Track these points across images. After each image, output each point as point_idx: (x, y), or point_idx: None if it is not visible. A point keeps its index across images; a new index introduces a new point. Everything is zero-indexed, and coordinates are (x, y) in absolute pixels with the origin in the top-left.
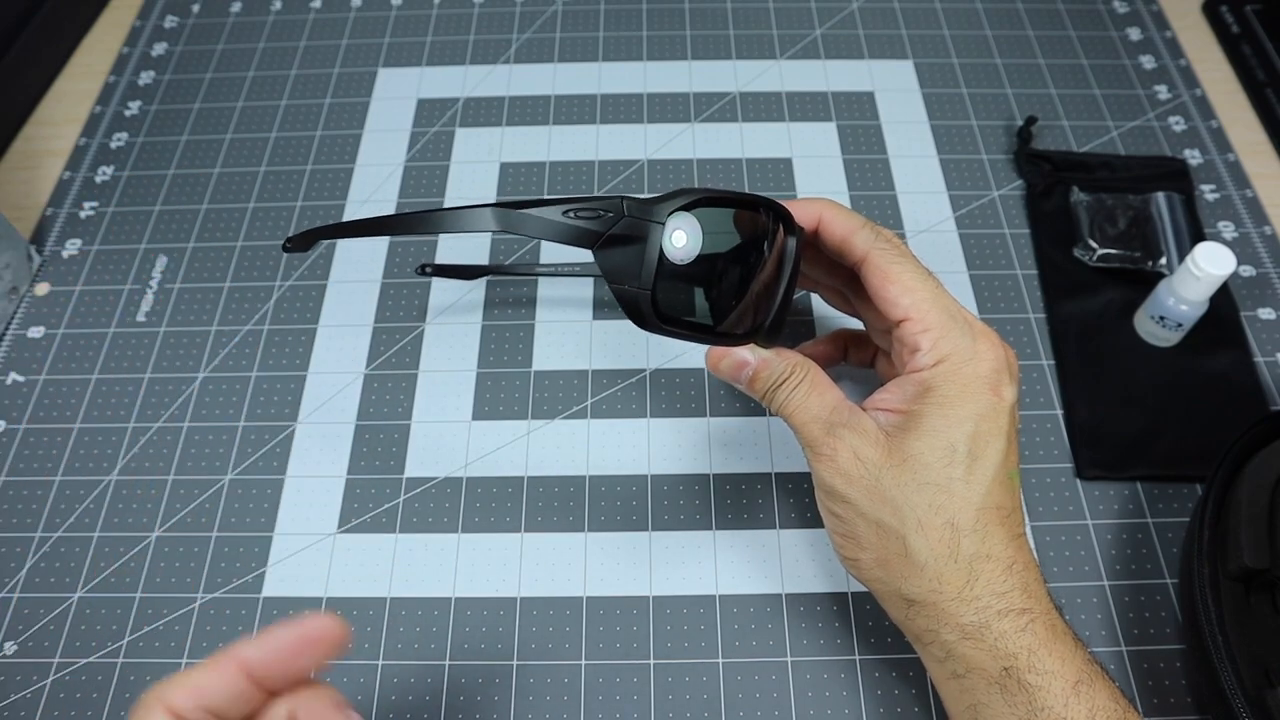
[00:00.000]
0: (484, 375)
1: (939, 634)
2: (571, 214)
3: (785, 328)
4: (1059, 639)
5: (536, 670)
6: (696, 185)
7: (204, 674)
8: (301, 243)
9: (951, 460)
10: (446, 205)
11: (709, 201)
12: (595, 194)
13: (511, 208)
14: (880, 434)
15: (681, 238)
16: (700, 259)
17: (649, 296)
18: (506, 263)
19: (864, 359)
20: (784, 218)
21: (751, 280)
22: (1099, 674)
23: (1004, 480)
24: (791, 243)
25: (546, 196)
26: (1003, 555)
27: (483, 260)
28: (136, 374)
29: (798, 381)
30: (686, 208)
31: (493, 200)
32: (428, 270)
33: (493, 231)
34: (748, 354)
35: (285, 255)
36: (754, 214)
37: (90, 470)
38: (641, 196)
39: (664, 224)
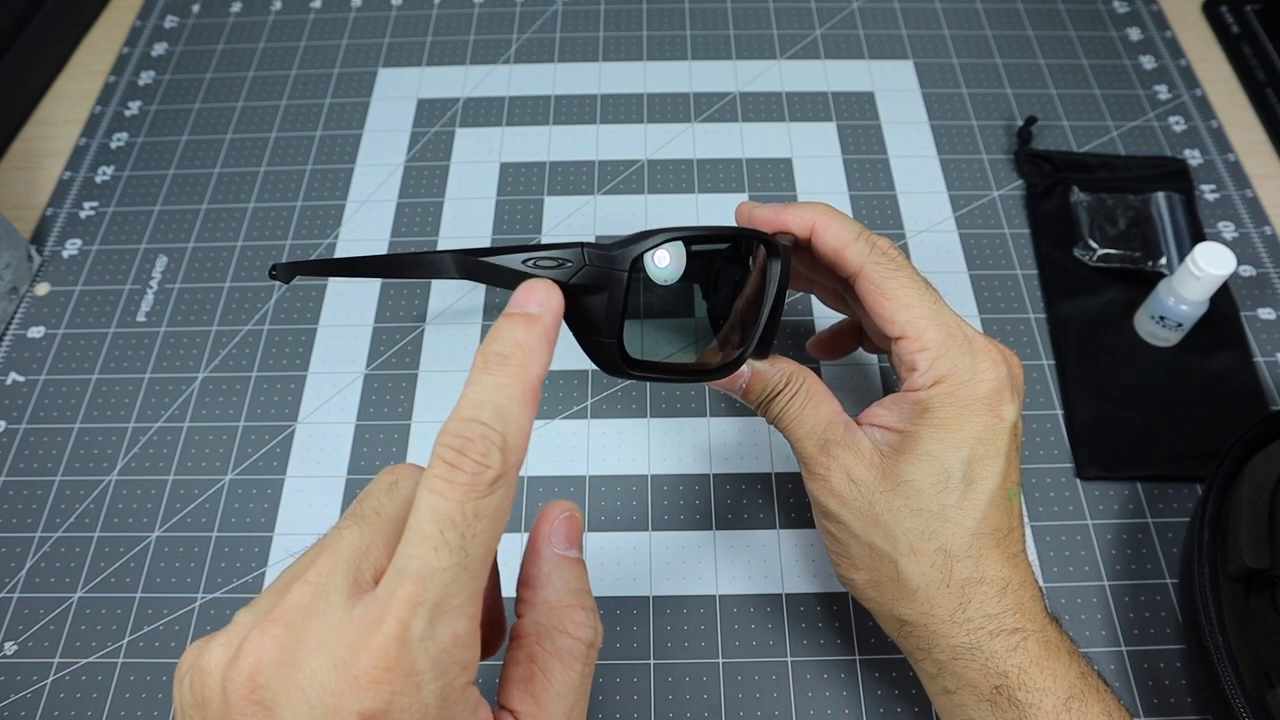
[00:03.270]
0: None
1: (931, 653)
2: (531, 263)
3: (774, 342)
4: (1052, 655)
5: None
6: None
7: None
8: (285, 274)
9: (946, 486)
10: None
11: (671, 243)
12: (555, 241)
13: (472, 255)
14: (875, 454)
15: (665, 257)
16: (676, 294)
17: (616, 346)
18: None
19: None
20: (764, 242)
21: (731, 311)
22: (1094, 688)
23: (1001, 502)
24: (775, 266)
25: (507, 244)
26: (997, 578)
27: None
28: (136, 374)
29: (792, 393)
30: (650, 250)
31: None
32: None
33: (454, 279)
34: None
35: (284, 256)
36: (729, 244)
37: (90, 470)
38: (603, 243)
39: (627, 271)
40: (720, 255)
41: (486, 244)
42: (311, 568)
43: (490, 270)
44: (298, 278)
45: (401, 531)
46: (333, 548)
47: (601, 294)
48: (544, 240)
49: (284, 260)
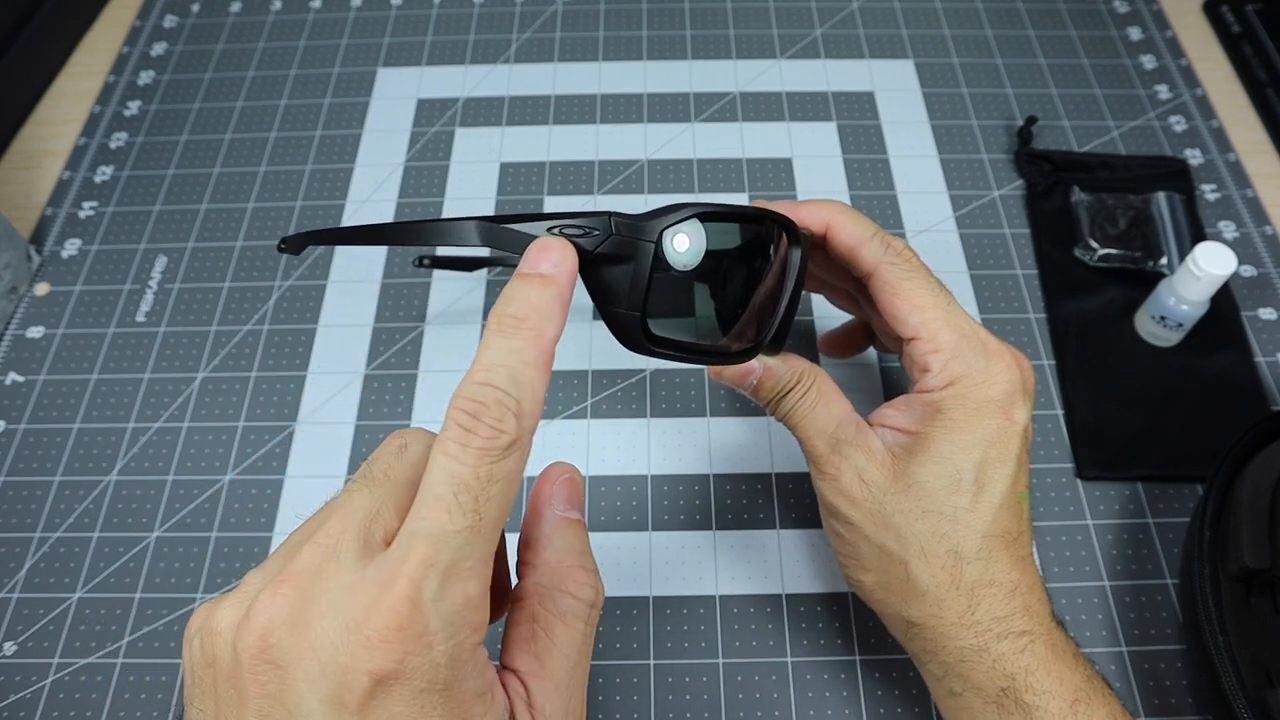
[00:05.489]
0: None
1: (937, 655)
2: (556, 231)
3: (788, 337)
4: (1059, 658)
5: None
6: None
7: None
8: (295, 245)
9: (957, 489)
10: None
11: (704, 217)
12: (582, 210)
13: (495, 222)
14: (886, 455)
15: (684, 241)
16: (698, 274)
17: (638, 319)
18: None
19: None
20: (787, 228)
21: (751, 295)
22: (1099, 690)
23: (1011, 505)
24: (796, 254)
25: (532, 212)
26: (1006, 580)
27: (483, 252)
28: (136, 374)
29: (803, 391)
30: (678, 224)
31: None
32: (426, 262)
33: (475, 247)
34: (753, 361)
35: (285, 255)
36: (753, 226)
37: (90, 470)
38: (631, 213)
39: (654, 242)
40: (734, 251)
41: None
42: (322, 529)
43: (513, 238)
44: (295, 276)
45: (411, 495)
46: (343, 509)
47: (627, 265)
48: None
49: (284, 261)
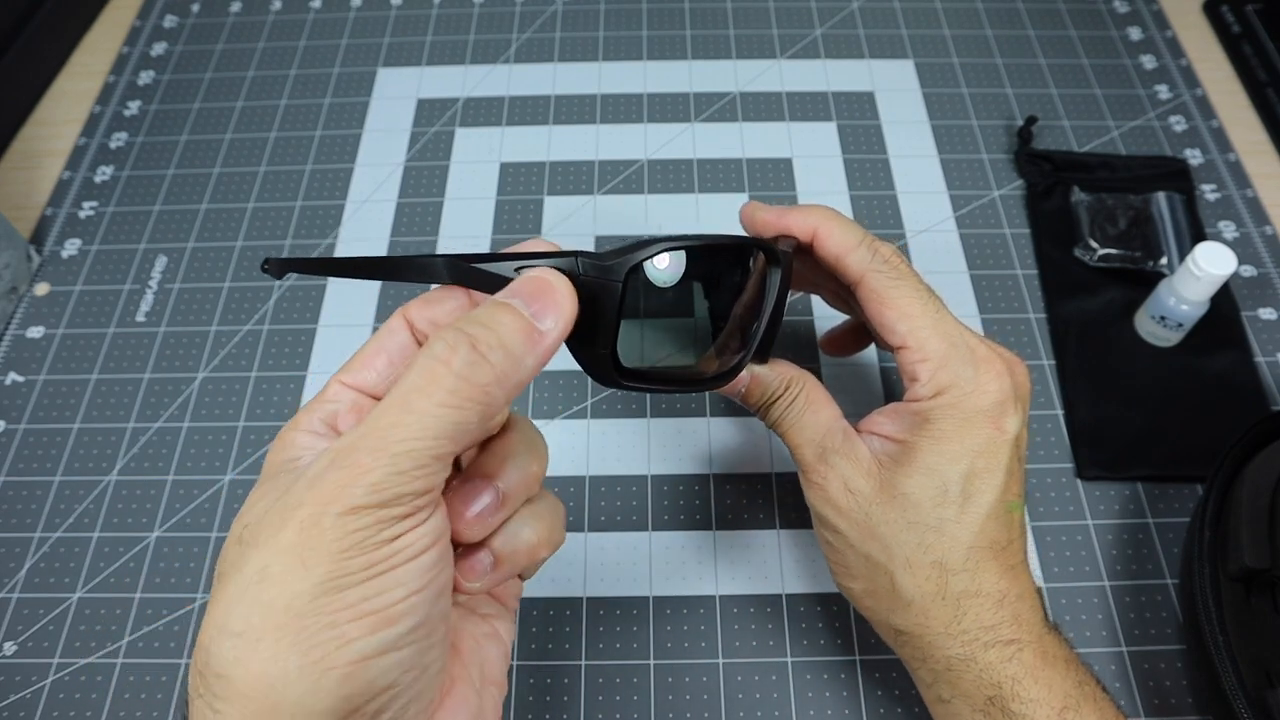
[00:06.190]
0: None
1: (926, 662)
2: (524, 272)
3: (772, 348)
4: (1048, 665)
5: (536, 670)
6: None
7: (437, 294)
8: (278, 269)
9: (943, 500)
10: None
11: (672, 251)
12: (553, 241)
13: (465, 260)
14: (873, 464)
15: (665, 259)
16: (670, 304)
17: (608, 357)
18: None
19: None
20: (764, 250)
21: (726, 321)
22: (1091, 697)
23: (1001, 515)
24: (775, 274)
25: (502, 251)
26: (993, 590)
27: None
28: (136, 374)
29: (791, 399)
30: (643, 261)
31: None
32: None
33: (445, 284)
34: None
35: (284, 255)
36: (729, 253)
37: (90, 470)
38: (598, 252)
39: (621, 282)
40: (722, 257)
41: (486, 244)
42: None
43: (482, 277)
44: (295, 277)
45: None
46: None
47: (595, 304)
48: (543, 239)
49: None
